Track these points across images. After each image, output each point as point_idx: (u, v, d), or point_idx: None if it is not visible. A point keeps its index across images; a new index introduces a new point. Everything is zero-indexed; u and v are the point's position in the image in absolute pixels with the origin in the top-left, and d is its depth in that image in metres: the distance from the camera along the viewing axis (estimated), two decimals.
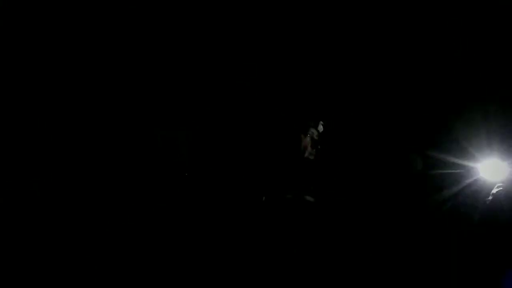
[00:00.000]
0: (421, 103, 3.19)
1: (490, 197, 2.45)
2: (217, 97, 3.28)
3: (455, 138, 3.07)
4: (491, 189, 2.56)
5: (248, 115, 3.07)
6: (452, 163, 3.00)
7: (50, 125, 3.18)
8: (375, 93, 3.23)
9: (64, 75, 3.23)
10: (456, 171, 2.99)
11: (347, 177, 3.03)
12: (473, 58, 3.22)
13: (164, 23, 3.32)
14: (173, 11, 3.31)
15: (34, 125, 3.16)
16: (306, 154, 2.53)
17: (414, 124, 3.18)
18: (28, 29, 3.20)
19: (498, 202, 2.40)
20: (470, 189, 2.90)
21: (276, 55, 3.27)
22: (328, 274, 2.54)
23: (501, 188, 2.41)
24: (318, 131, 2.56)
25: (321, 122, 2.60)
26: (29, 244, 2.96)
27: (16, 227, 2.98)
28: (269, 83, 3.21)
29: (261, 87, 3.18)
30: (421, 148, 3.09)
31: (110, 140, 3.22)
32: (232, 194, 2.91)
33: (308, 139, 2.52)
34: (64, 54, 3.23)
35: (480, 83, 3.19)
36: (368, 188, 3.04)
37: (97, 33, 3.25)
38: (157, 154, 3.25)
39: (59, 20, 3.23)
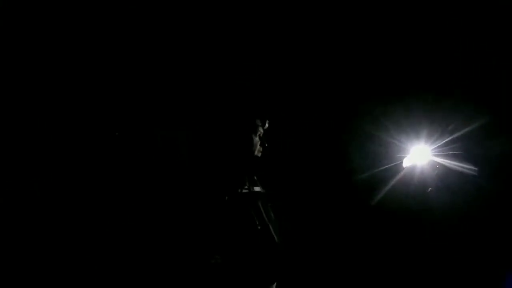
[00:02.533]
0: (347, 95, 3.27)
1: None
2: (217, 97, 3.29)
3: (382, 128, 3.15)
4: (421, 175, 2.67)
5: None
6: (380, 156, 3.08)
7: (50, 125, 3.18)
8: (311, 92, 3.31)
9: (63, 75, 3.23)
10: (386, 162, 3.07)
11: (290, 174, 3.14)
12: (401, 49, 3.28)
13: (164, 23, 3.32)
14: (173, 11, 3.32)
15: (34, 125, 3.16)
16: (256, 153, 2.58)
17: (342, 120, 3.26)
18: (28, 29, 3.20)
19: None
20: (401, 178, 3.00)
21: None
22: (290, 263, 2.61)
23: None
24: (263, 129, 2.61)
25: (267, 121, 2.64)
26: (29, 244, 2.96)
27: (16, 227, 2.99)
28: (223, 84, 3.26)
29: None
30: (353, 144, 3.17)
31: (110, 140, 3.22)
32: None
33: (257, 138, 2.57)
34: (64, 54, 3.23)
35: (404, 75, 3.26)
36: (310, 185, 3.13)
37: (97, 33, 3.26)
38: (157, 154, 3.25)
39: (59, 20, 3.23)
